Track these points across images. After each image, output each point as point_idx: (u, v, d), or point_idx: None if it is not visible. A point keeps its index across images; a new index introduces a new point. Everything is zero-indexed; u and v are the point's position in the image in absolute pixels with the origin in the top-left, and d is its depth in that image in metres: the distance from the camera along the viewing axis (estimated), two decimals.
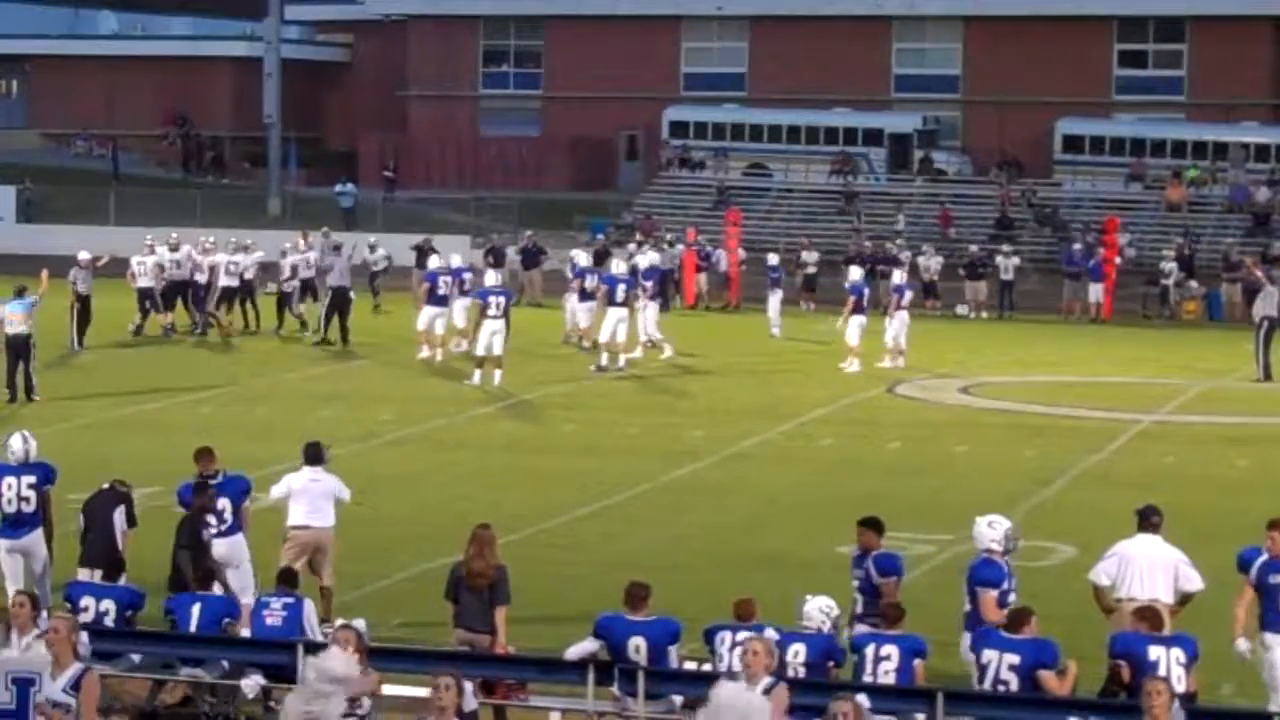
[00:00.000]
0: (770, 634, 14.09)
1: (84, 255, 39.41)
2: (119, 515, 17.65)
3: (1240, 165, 62.83)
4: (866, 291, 38.66)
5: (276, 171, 69.99)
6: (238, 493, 17.71)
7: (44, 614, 14.51)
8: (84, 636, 13.62)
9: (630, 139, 74.79)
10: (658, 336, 38.76)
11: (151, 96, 79.90)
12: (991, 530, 15.60)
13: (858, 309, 37.72)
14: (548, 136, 75.90)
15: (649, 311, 39.00)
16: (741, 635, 14.42)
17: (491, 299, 34.38)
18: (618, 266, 38.16)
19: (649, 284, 39.61)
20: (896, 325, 38.23)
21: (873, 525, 16.16)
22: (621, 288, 36.51)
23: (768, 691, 12.76)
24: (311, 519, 18.16)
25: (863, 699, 12.86)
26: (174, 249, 42.52)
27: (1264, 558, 15.38)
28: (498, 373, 33.82)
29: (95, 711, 12.53)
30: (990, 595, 15.13)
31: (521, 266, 52.03)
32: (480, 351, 33.94)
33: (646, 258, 44.30)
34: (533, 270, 51.70)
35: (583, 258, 41.93)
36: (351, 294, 40.11)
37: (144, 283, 41.30)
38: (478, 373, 33.86)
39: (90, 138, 79.74)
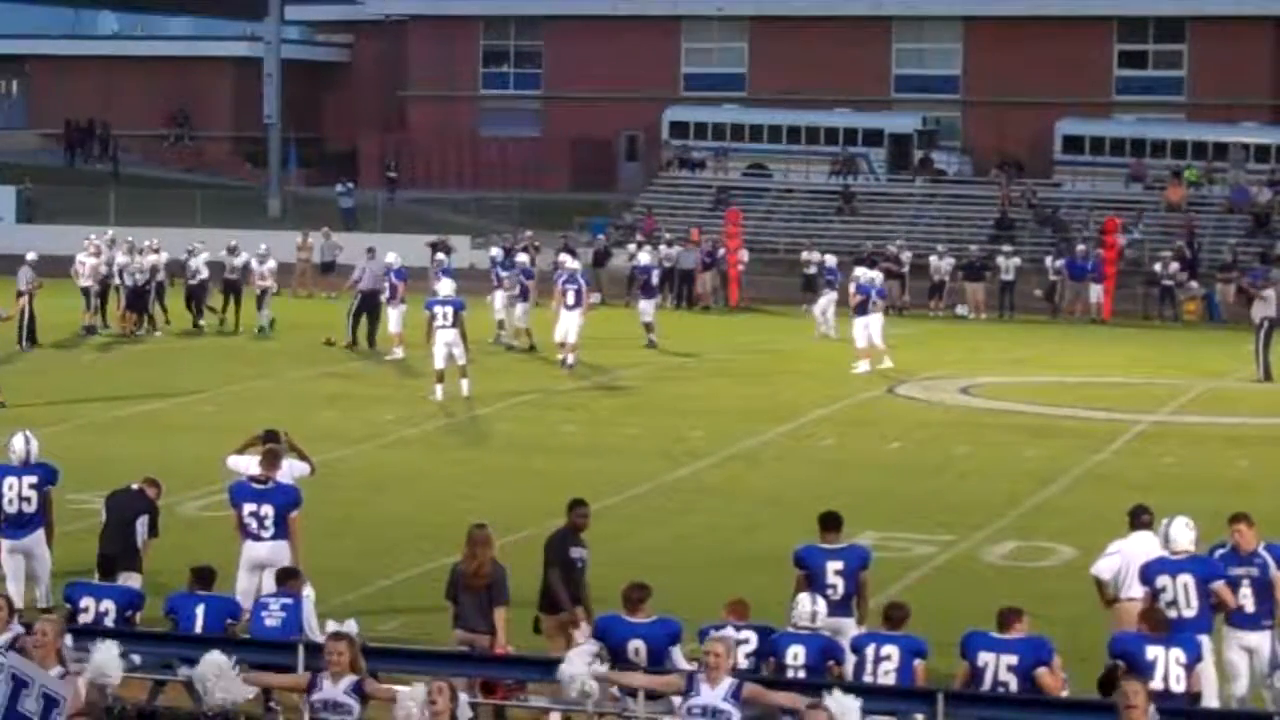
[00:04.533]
0: (729, 633, 14.10)
1: (31, 255, 39.53)
2: (141, 523, 17.63)
3: (1240, 165, 62.85)
4: (874, 291, 38.40)
5: (276, 171, 70.02)
6: (289, 500, 17.65)
7: (16, 619, 14.32)
8: (68, 640, 13.60)
9: (630, 139, 74.80)
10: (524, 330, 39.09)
11: (151, 97, 79.93)
12: (1192, 532, 15.48)
13: (863, 309, 37.66)
14: (548, 137, 75.91)
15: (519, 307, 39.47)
16: (745, 634, 14.44)
17: (438, 309, 32.87)
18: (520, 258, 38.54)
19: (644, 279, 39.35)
20: (876, 325, 37.77)
21: (820, 521, 16.23)
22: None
23: (735, 694, 12.72)
24: None
25: (839, 695, 12.81)
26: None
27: (1223, 550, 15.46)
28: (464, 382, 32.65)
29: (78, 715, 12.51)
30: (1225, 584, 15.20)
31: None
32: (439, 365, 32.59)
33: (644, 255, 44.39)
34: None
35: (441, 258, 42.24)
36: (382, 298, 39.80)
37: (84, 282, 41.77)
38: (438, 388, 32.56)
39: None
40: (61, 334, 41.03)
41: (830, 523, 16.11)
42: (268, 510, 17.45)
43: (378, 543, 22.03)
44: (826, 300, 44.41)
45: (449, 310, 32.91)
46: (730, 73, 74.14)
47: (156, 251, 43.30)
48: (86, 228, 48.81)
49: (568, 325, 36.33)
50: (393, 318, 38.23)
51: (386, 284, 38.61)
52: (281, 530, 17.46)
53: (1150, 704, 12.65)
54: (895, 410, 33.42)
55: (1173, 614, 14.89)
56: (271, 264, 43.68)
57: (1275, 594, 15.34)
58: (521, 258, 42.00)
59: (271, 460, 17.81)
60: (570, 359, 36.30)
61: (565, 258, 40.90)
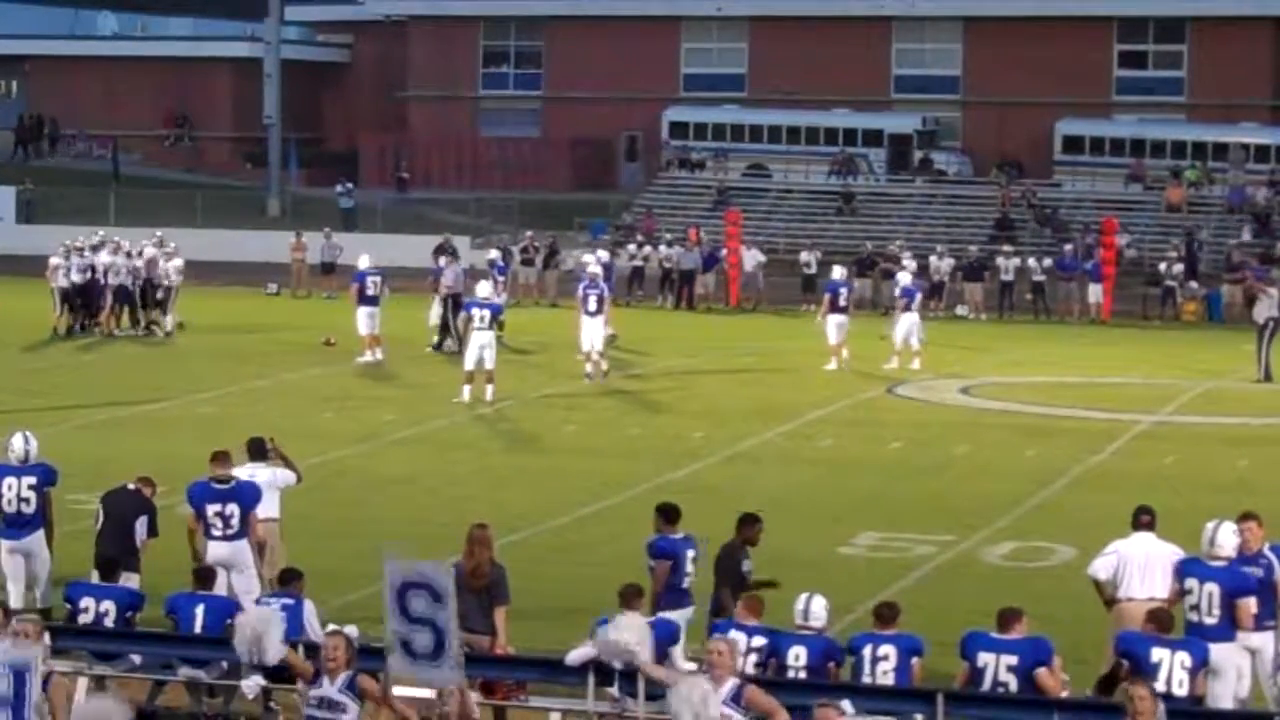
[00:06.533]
0: (734, 635, 14.17)
1: None
2: (141, 524, 17.60)
3: (1240, 166, 62.82)
4: (844, 291, 38.71)
5: (276, 172, 70.01)
6: (254, 497, 17.65)
7: (14, 622, 14.37)
8: (46, 638, 13.61)
9: (630, 139, 74.80)
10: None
11: (151, 97, 79.90)
12: (1236, 538, 15.33)
13: (834, 307, 37.86)
14: (548, 137, 75.91)
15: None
16: (757, 640, 14.42)
17: (475, 311, 32.89)
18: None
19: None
20: (905, 326, 38.25)
21: (660, 513, 16.55)
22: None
23: (736, 697, 12.72)
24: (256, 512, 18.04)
25: (846, 704, 12.83)
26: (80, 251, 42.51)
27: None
28: (489, 387, 32.47)
29: (64, 713, 12.52)
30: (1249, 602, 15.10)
31: (522, 266, 52.25)
32: (470, 366, 32.50)
33: (595, 257, 43.53)
34: (545, 270, 52.30)
35: (444, 260, 41.80)
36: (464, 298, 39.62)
37: (62, 283, 41.56)
38: (466, 389, 32.43)
39: (90, 138, 79.77)
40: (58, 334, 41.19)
41: (673, 514, 16.53)
42: (233, 509, 17.46)
43: (378, 543, 21.96)
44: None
45: (486, 313, 32.84)
46: (730, 73, 74.11)
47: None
48: (86, 228, 48.78)
49: (592, 334, 35.52)
50: (360, 320, 37.62)
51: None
52: (243, 530, 17.46)
53: (1160, 705, 12.66)
54: (895, 410, 33.41)
55: (1193, 618, 14.90)
56: (178, 261, 42.42)
57: (1278, 595, 15.31)
58: (591, 261, 40.18)
59: (223, 459, 17.83)
60: (602, 366, 35.60)
61: (589, 259, 40.56)
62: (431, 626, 11.89)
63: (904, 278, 40.61)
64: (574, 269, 39.42)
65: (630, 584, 15.00)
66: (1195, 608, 14.96)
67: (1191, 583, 15.02)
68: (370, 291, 37.48)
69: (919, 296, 39.38)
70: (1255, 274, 44.08)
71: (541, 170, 73.23)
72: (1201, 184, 62.31)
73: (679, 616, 15.81)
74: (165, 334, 42.03)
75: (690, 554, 16.25)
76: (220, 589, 16.95)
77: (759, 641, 14.42)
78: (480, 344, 32.53)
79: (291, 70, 72.80)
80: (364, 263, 38.27)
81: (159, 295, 42.29)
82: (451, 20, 76.39)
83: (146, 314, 42.38)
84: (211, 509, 17.47)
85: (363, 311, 37.53)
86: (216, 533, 17.44)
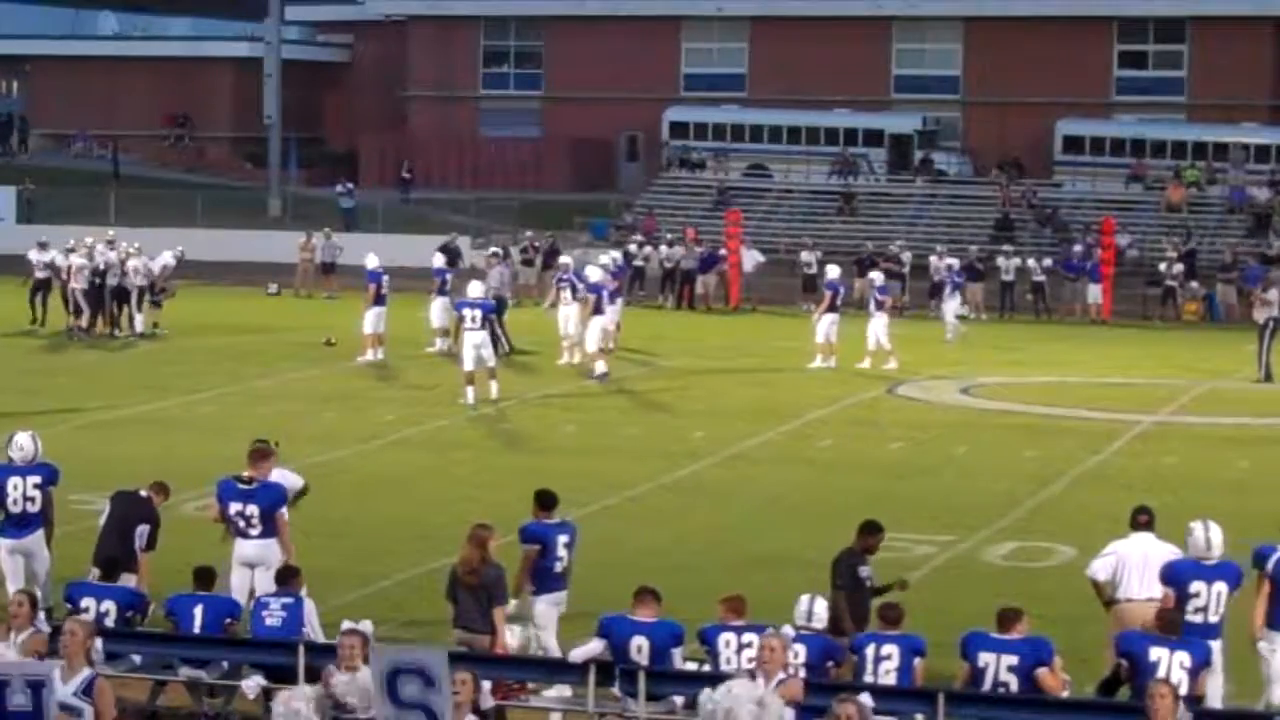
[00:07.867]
0: (788, 630, 14.18)
1: None
2: (140, 533, 17.57)
3: (1240, 166, 62.85)
4: (842, 290, 38.86)
5: (276, 172, 70.01)
6: (274, 499, 17.63)
7: (41, 614, 14.55)
8: (98, 643, 13.59)
9: (630, 139, 74.81)
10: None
11: (152, 97, 79.92)
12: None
13: (832, 306, 37.96)
14: (548, 137, 75.93)
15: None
16: (747, 637, 14.40)
17: (466, 311, 32.72)
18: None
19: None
20: (874, 327, 38.20)
21: (537, 499, 16.86)
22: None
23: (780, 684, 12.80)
24: None
25: (866, 699, 12.86)
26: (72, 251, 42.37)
27: (1278, 554, 15.36)
28: (493, 384, 32.43)
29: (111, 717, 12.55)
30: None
31: (522, 267, 52.27)
32: (469, 366, 32.28)
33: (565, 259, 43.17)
34: (546, 271, 52.32)
35: (439, 259, 41.74)
36: (510, 301, 39.51)
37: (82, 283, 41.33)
38: (470, 390, 32.25)
39: (90, 138, 79.78)
40: (58, 334, 41.14)
41: (548, 500, 16.77)
42: (253, 510, 17.45)
43: (378, 543, 22.03)
44: (954, 304, 44.60)
45: (477, 313, 32.72)
46: (730, 73, 74.13)
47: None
48: (87, 228, 48.76)
49: (592, 333, 35.85)
50: (369, 320, 37.78)
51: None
52: (269, 529, 17.46)
53: (1180, 706, 12.65)
54: (895, 410, 33.41)
55: (1198, 619, 14.85)
56: (135, 263, 41.50)
57: None
58: (608, 263, 39.37)
59: (256, 458, 17.82)
60: (598, 369, 35.66)
61: (610, 260, 40.45)
62: (424, 710, 11.75)
63: (877, 277, 40.54)
64: (574, 270, 39.09)
65: (645, 585, 15.01)
66: (1202, 609, 14.93)
67: (1199, 585, 14.97)
68: (384, 291, 37.69)
69: (888, 297, 39.55)
70: (1250, 274, 43.98)
71: (541, 170, 73.25)
72: (1201, 184, 62.33)
73: (551, 601, 16.31)
74: (123, 336, 41.34)
75: (563, 539, 16.51)
76: (243, 590, 17.03)
77: (749, 638, 14.43)
78: (474, 343, 32.41)
79: (291, 70, 72.79)
80: (372, 262, 38.33)
81: (133, 296, 41.74)
82: (451, 20, 76.43)
83: (153, 314, 42.36)
84: (234, 507, 17.49)
85: (374, 311, 37.66)
86: (240, 531, 17.48)
